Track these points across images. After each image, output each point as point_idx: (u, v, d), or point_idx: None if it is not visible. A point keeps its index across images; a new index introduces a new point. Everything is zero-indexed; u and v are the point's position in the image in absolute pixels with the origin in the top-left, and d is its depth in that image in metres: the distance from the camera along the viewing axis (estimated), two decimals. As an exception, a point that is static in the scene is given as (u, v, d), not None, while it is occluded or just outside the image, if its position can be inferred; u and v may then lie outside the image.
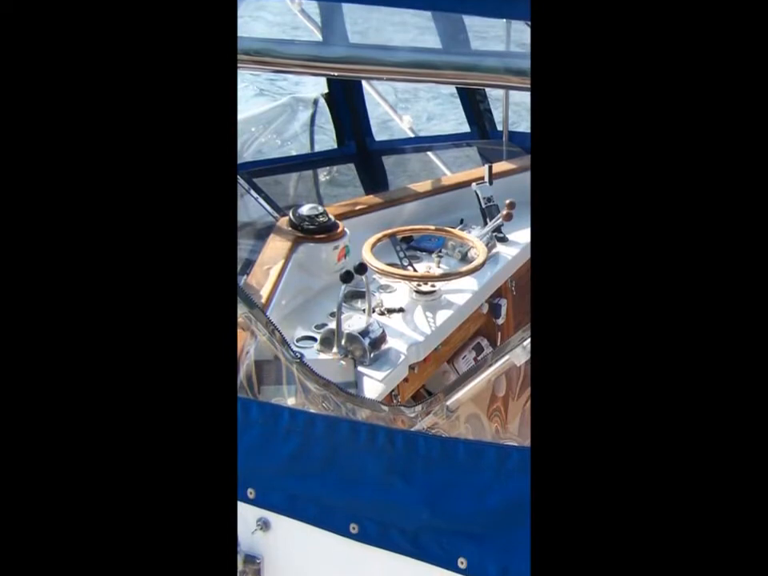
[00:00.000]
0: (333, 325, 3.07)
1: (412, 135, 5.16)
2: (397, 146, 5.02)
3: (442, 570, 1.99)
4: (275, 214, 3.76)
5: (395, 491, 2.02)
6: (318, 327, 3.22)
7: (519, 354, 2.16)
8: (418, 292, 3.48)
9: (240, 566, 2.20)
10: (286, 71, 2.65)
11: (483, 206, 4.00)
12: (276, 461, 2.14)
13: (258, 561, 2.21)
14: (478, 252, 3.60)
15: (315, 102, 4.80)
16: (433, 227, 3.83)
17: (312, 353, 3.08)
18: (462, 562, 1.96)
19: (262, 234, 3.61)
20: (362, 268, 3.18)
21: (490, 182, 4.00)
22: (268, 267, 3.32)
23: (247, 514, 2.17)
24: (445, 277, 3.54)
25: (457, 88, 5.04)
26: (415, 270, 3.58)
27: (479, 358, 3.76)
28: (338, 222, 3.62)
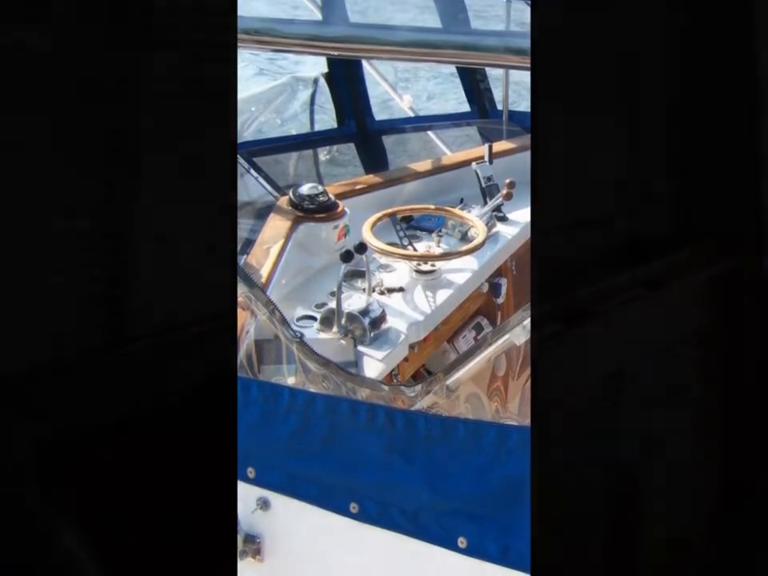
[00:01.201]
0: (333, 304, 3.07)
1: (412, 114, 5.15)
2: (397, 126, 5.00)
3: (442, 550, 1.99)
4: (275, 194, 3.76)
5: (395, 470, 2.03)
6: (318, 307, 3.22)
7: (519, 333, 2.15)
8: (417, 271, 3.47)
9: (240, 546, 2.20)
10: (286, 50, 2.64)
11: (483, 185, 3.99)
12: (276, 440, 2.15)
13: (258, 540, 2.22)
14: (478, 231, 3.59)
15: (315, 81, 4.78)
16: (433, 206, 3.82)
17: (312, 332, 3.08)
18: (462, 542, 1.96)
19: (262, 213, 3.60)
20: (361, 247, 3.18)
21: (490, 162, 3.99)
22: (268, 247, 3.32)
23: (247, 494, 2.17)
24: (445, 256, 3.53)
25: (457, 67, 5.01)
26: (415, 250, 3.57)
27: (479, 338, 3.76)
28: (337, 201, 3.61)
